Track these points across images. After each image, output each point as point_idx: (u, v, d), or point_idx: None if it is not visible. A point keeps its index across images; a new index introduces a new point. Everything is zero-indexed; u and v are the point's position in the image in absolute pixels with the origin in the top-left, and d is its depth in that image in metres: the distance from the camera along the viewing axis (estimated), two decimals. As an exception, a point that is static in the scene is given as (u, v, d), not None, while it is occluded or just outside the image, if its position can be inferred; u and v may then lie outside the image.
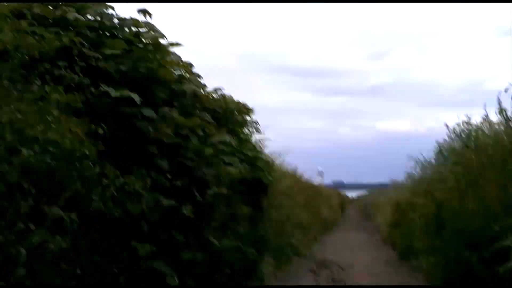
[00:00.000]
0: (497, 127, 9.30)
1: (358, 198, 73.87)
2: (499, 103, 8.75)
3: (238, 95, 8.51)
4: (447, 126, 11.32)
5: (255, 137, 10.85)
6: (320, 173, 69.15)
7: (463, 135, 10.68)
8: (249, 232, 7.94)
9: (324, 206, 31.12)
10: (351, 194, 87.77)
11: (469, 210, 8.30)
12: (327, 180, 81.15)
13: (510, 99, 8.22)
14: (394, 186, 24.74)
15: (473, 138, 10.15)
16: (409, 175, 16.81)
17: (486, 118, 9.58)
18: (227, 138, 6.69)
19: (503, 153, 8.28)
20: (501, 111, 8.89)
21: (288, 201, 16.37)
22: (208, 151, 6.18)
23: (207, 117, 6.70)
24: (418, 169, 15.62)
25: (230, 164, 7.14)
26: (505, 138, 8.71)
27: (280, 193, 14.25)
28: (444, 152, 12.26)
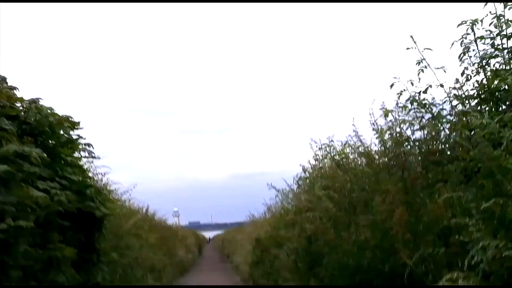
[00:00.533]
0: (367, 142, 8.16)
1: (216, 238, 72.73)
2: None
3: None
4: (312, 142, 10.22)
5: (91, 164, 8.93)
6: (176, 213, 67.51)
7: (329, 155, 9.55)
8: (74, 280, 5.92)
9: (180, 247, 29.25)
10: (208, 234, 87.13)
11: (348, 242, 6.95)
12: (184, 221, 79.98)
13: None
14: (253, 221, 23.48)
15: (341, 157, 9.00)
16: (269, 208, 15.54)
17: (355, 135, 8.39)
18: (33, 151, 4.73)
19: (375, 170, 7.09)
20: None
21: (137, 242, 14.44)
22: (1, 167, 4.25)
23: (6, 123, 4.76)
24: (279, 199, 14.43)
25: (46, 190, 5.22)
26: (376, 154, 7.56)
27: (126, 232, 12.36)
28: (308, 177, 11.07)
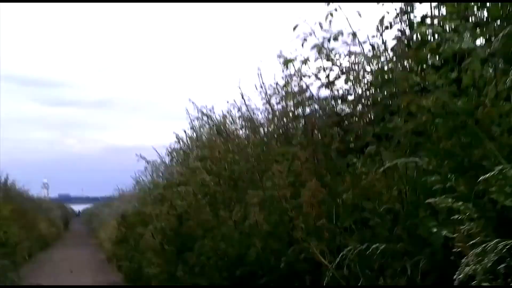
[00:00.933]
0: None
1: (84, 212, 69.79)
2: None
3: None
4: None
5: None
6: (45, 185, 64.04)
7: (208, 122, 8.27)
8: None
9: (42, 220, 26.97)
10: (78, 208, 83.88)
11: (227, 224, 5.70)
12: (53, 193, 76.20)
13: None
14: (121, 197, 21.82)
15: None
16: (138, 181, 14.07)
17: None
18: None
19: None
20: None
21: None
22: None
23: None
24: (149, 172, 13.03)
25: None
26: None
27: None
28: (183, 148, 9.75)
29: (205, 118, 8.80)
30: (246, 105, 7.11)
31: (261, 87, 6.41)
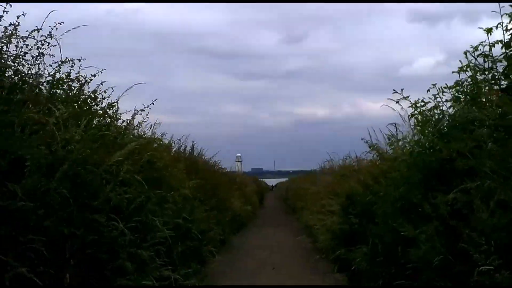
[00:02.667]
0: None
1: (278, 186, 67.66)
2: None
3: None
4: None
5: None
6: (239, 158, 62.82)
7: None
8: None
9: (237, 197, 23.55)
10: (271, 182, 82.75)
11: None
12: (247, 167, 75.56)
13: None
14: (328, 170, 17.59)
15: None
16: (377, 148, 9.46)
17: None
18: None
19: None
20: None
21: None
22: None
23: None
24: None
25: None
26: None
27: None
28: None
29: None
30: None
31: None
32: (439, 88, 6.48)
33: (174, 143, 14.02)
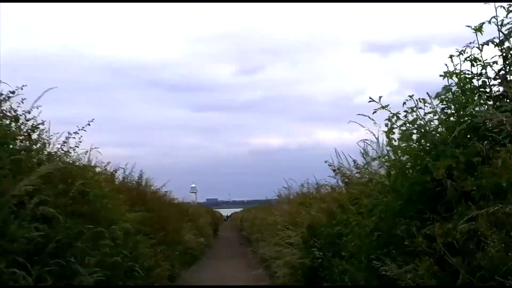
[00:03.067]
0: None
1: (233, 217, 66.53)
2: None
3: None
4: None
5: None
6: (193, 189, 61.56)
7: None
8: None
9: (189, 229, 22.32)
10: (226, 212, 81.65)
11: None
12: (202, 198, 74.16)
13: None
14: (285, 199, 16.55)
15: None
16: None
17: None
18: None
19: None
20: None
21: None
22: None
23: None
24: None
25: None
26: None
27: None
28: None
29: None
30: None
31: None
32: (417, 100, 5.51)
33: (118, 172, 12.90)
